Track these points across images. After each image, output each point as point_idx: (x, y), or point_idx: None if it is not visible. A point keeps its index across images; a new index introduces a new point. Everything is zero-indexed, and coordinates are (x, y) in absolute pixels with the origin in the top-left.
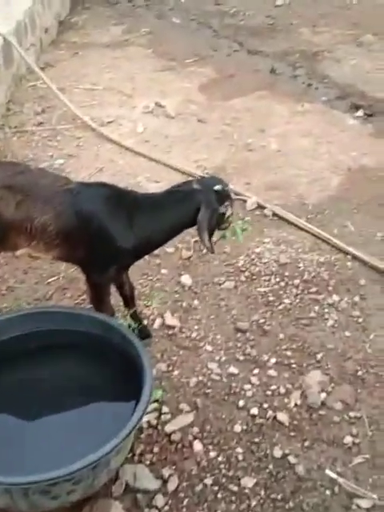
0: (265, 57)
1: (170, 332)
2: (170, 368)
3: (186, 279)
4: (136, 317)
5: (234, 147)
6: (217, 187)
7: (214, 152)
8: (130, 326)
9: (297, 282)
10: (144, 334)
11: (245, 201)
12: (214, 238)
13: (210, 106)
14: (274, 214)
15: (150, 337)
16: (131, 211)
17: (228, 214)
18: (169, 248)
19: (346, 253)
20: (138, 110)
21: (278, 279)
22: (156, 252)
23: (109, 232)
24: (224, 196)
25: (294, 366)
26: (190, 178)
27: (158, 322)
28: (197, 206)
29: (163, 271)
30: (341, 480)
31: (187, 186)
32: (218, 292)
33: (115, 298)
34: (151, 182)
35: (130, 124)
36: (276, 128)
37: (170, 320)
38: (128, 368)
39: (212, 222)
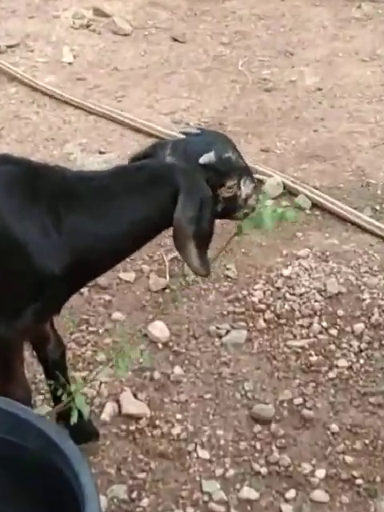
0: None
1: (133, 427)
2: (135, 495)
3: (159, 329)
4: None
5: (239, 85)
6: (205, 158)
7: (202, 94)
8: (59, 420)
9: (359, 327)
10: (85, 432)
11: (261, 181)
12: (210, 254)
13: (193, 13)
14: (315, 205)
15: (94, 437)
16: (56, 205)
17: (242, 194)
18: (126, 272)
19: None
20: (62, 23)
21: (324, 324)
22: (103, 281)
23: (17, 244)
24: (224, 170)
25: (359, 483)
26: (160, 141)
27: (109, 408)
28: (172, 193)
29: (117, 315)
30: None
31: (154, 159)
32: (218, 349)
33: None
34: (90, 152)
35: (48, 48)
36: (313, 49)
37: (132, 405)
38: (55, 496)
39: (202, 220)
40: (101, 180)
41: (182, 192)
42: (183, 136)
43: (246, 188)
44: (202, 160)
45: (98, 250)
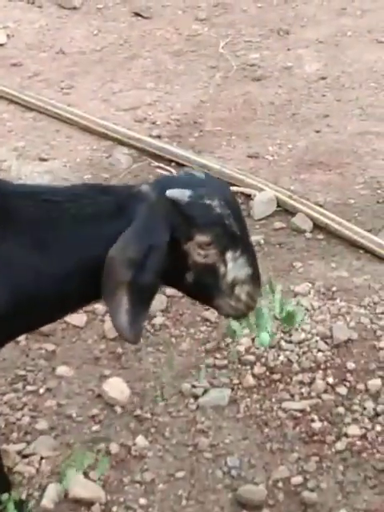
0: None
1: None
2: None
3: (117, 388)
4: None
5: (220, 73)
6: (175, 192)
7: (172, 85)
8: None
9: (376, 384)
10: None
11: (250, 196)
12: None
13: None
14: (317, 227)
15: None
16: None
17: (228, 275)
18: (75, 314)
19: None
20: None
21: (330, 380)
22: (45, 326)
23: None
24: (196, 218)
25: None
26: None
27: (52, 491)
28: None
29: (62, 370)
30: None
31: (126, 187)
32: (193, 414)
33: None
34: (29, 159)
35: None
36: (313, 26)
37: (82, 487)
38: None
39: (144, 270)
40: (52, 198)
41: (131, 226)
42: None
43: (235, 268)
44: (170, 193)
45: (40, 290)
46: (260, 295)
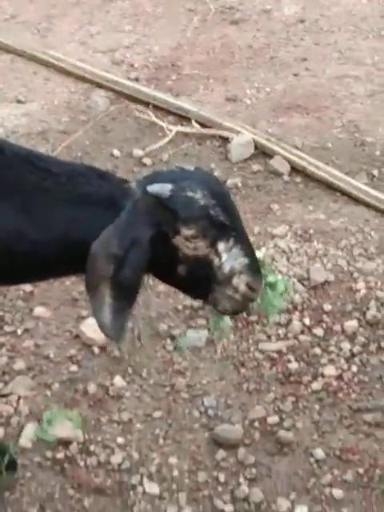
0: None
1: (61, 454)
2: None
3: (95, 328)
4: None
5: (198, 15)
6: (155, 187)
7: (150, 27)
8: None
9: (352, 325)
10: None
11: (227, 139)
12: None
13: None
14: (295, 170)
15: (10, 468)
16: None
17: (224, 267)
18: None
19: None
20: None
21: (307, 321)
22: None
23: None
24: (179, 211)
25: None
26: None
27: (30, 431)
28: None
29: (39, 310)
30: None
31: (121, 180)
32: (170, 355)
33: None
34: (6, 101)
35: None
36: None
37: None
38: None
39: (126, 265)
40: (51, 169)
41: (114, 222)
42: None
43: (230, 259)
44: (151, 188)
45: (19, 251)
46: (260, 286)
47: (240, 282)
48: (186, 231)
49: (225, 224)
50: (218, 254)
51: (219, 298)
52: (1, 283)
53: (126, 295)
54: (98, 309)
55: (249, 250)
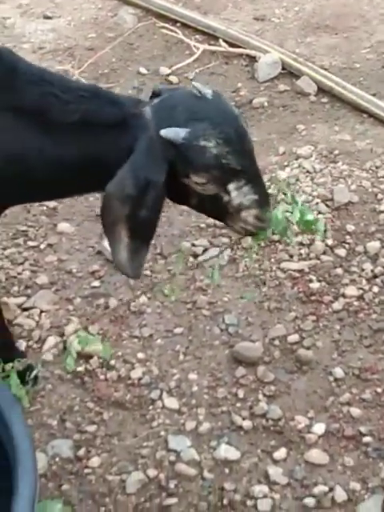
0: None
1: (82, 368)
2: (82, 452)
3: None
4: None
5: None
6: (168, 132)
7: None
8: None
9: (374, 246)
10: (19, 373)
11: (254, 59)
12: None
13: None
14: (321, 90)
15: (32, 380)
16: None
17: (232, 202)
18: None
19: None
20: None
21: (330, 242)
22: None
23: None
24: (190, 158)
25: (367, 441)
26: (171, 86)
27: (52, 344)
28: (127, 152)
29: (63, 226)
30: None
31: (136, 103)
32: (192, 272)
33: None
34: (33, 16)
35: None
36: None
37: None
38: None
39: (143, 205)
40: (61, 95)
41: (129, 160)
42: (195, 91)
43: (239, 196)
44: (165, 133)
45: (38, 166)
46: (269, 215)
47: (248, 215)
48: (196, 178)
49: (237, 169)
50: (228, 192)
51: (231, 225)
52: (22, 201)
53: (142, 234)
54: (115, 248)
55: (259, 187)
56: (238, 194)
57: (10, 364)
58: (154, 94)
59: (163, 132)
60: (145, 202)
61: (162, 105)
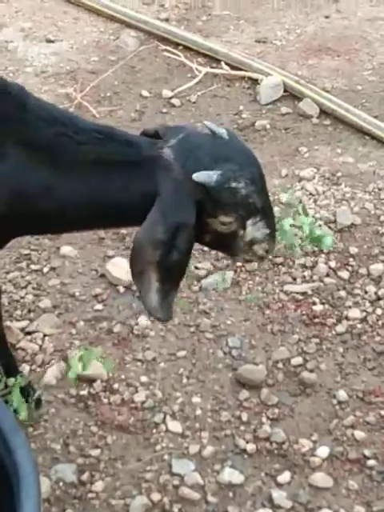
0: None
1: (85, 392)
2: (86, 477)
3: (121, 268)
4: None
5: None
6: (202, 176)
7: None
8: None
9: (377, 268)
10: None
11: (256, 81)
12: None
13: None
14: (324, 112)
15: (35, 404)
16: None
17: (246, 237)
18: None
19: None
20: None
21: (332, 264)
22: None
23: None
24: (222, 201)
25: (371, 465)
26: (176, 126)
27: (55, 368)
28: (145, 195)
29: (66, 249)
30: None
31: (154, 143)
32: (195, 295)
33: None
34: (36, 40)
35: None
36: None
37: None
38: None
39: (174, 249)
40: (74, 136)
41: (156, 205)
42: (207, 131)
43: (253, 230)
44: (197, 177)
45: (40, 203)
46: (275, 247)
47: (259, 249)
48: (224, 218)
49: (258, 206)
50: (244, 228)
51: (237, 258)
52: (30, 234)
53: (173, 277)
54: (145, 293)
55: (271, 221)
56: (252, 228)
57: (12, 379)
58: (158, 135)
59: (195, 176)
60: (177, 246)
61: (182, 146)
